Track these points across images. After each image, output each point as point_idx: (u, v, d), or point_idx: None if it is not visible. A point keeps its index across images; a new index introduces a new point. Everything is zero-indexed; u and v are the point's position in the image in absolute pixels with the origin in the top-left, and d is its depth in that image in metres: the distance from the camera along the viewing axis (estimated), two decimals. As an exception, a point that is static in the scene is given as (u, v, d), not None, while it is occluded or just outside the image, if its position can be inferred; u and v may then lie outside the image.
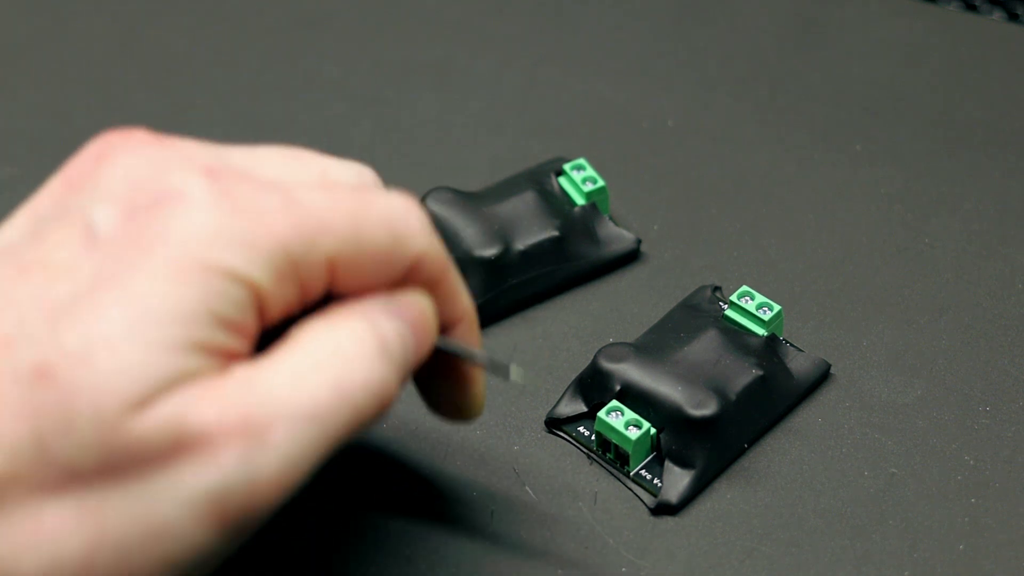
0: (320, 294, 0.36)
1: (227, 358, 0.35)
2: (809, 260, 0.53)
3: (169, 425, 0.33)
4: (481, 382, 0.42)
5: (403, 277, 0.37)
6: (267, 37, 0.63)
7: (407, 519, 0.45)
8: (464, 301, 0.40)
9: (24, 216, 0.38)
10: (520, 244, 0.51)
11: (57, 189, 0.37)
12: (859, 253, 0.53)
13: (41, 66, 0.62)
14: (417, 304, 0.38)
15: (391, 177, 0.57)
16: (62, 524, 0.33)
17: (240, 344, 0.35)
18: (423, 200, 0.52)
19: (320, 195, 0.36)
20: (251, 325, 0.35)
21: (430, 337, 0.38)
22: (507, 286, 0.51)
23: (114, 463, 0.33)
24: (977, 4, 0.64)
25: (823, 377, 0.48)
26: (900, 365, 0.49)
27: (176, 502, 0.33)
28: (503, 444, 0.47)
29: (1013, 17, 0.64)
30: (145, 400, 0.33)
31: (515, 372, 0.42)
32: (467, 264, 0.50)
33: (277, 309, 0.35)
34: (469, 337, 0.40)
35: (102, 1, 0.65)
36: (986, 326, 0.50)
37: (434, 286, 0.38)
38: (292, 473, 0.34)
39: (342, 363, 0.35)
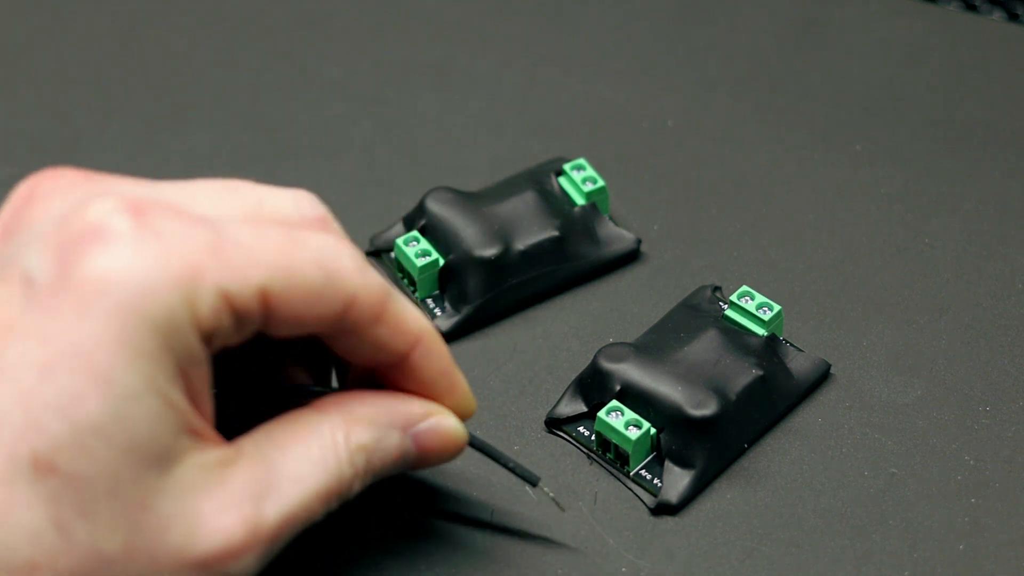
0: (258, 325, 0.37)
1: (196, 399, 0.37)
2: (809, 260, 0.53)
3: (193, 541, 0.36)
4: (464, 384, 0.42)
5: (341, 314, 0.38)
6: (267, 37, 0.63)
7: (407, 519, 0.45)
8: (414, 327, 0.40)
9: None
10: (520, 244, 0.51)
11: None
12: (859, 253, 0.53)
13: (41, 66, 0.62)
14: (434, 427, 0.41)
15: (391, 177, 0.57)
16: None
17: (201, 383, 0.37)
18: (423, 200, 0.52)
19: (249, 230, 0.37)
20: (202, 358, 0.37)
21: (450, 447, 0.42)
22: (507, 286, 0.50)
23: (139, 544, 0.35)
24: (977, 4, 0.64)
25: (823, 377, 0.48)
26: (900, 365, 0.49)
27: None
28: (503, 444, 0.47)
29: (1013, 17, 0.64)
30: (157, 467, 0.36)
31: (544, 488, 0.44)
32: (467, 264, 0.50)
33: (219, 340, 0.37)
34: (430, 359, 0.41)
35: (102, 1, 0.65)
36: (986, 326, 0.50)
37: (376, 321, 0.39)
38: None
39: (337, 477, 0.39)
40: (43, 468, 0.34)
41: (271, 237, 0.37)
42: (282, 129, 0.59)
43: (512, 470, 0.44)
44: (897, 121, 0.58)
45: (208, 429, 0.37)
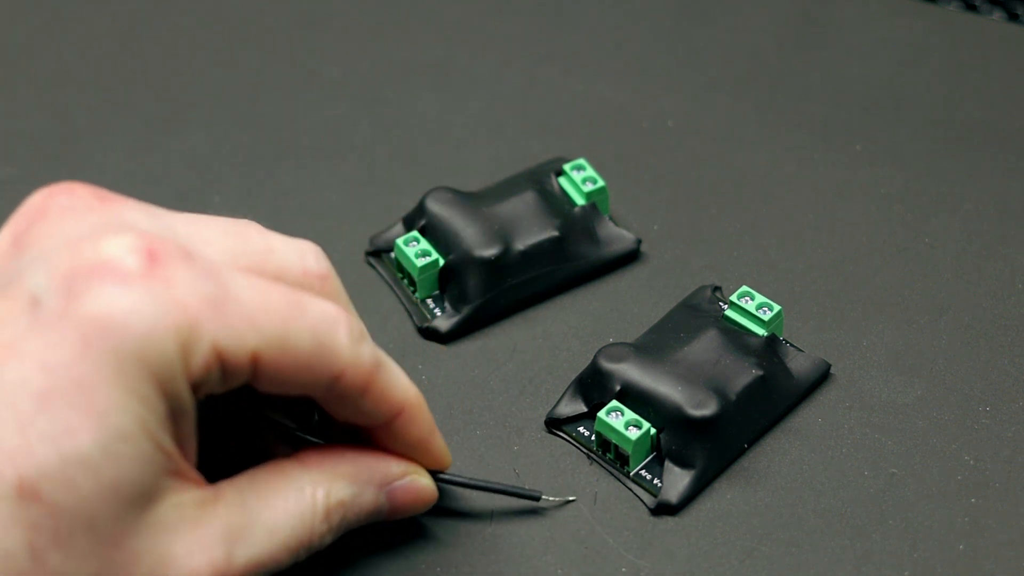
0: (245, 381, 0.38)
1: (182, 443, 0.37)
2: (809, 260, 0.53)
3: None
4: (442, 447, 0.43)
5: (328, 385, 0.39)
6: (267, 37, 0.63)
7: (407, 519, 0.45)
8: (399, 398, 0.41)
9: None
10: (520, 244, 0.51)
11: (3, 249, 0.39)
12: (859, 253, 0.53)
13: (41, 66, 0.62)
14: (408, 486, 0.42)
15: (391, 177, 0.57)
16: None
17: (187, 429, 0.38)
18: (423, 200, 0.52)
19: (255, 292, 0.38)
20: (190, 406, 0.37)
21: (420, 505, 0.43)
22: (507, 286, 0.50)
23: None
24: (977, 4, 0.64)
25: (823, 377, 0.48)
26: (900, 365, 0.49)
27: None
28: (503, 444, 0.47)
29: (1013, 17, 0.64)
30: (137, 507, 0.36)
31: (548, 498, 0.45)
32: (467, 264, 0.50)
33: (205, 389, 0.38)
34: (411, 427, 0.42)
35: (102, 1, 0.65)
36: (986, 326, 0.50)
37: (361, 394, 0.40)
38: None
39: (309, 530, 0.40)
40: (27, 494, 0.35)
41: (273, 300, 0.38)
42: (282, 129, 0.59)
43: (509, 493, 0.44)
44: (897, 121, 0.58)
45: (191, 471, 0.38)
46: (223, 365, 0.37)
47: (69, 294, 0.36)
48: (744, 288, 0.49)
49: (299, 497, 0.40)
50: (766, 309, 0.48)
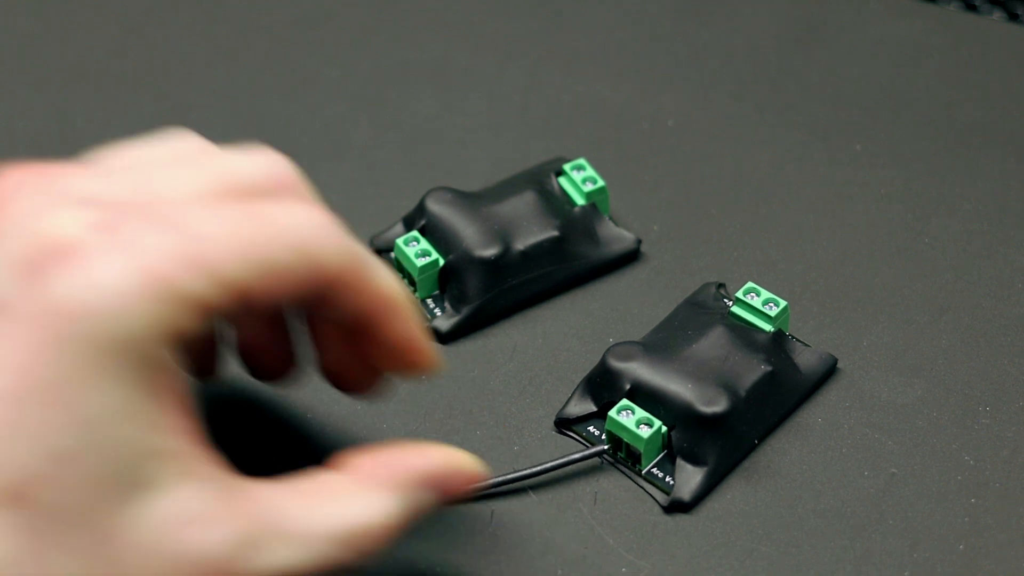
0: (237, 313, 0.36)
1: (175, 413, 0.35)
2: (809, 261, 0.53)
3: (185, 561, 0.35)
4: (428, 344, 0.41)
5: (316, 288, 0.37)
6: (267, 37, 0.63)
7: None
8: (386, 292, 0.39)
9: None
10: (520, 244, 0.51)
11: None
12: (859, 254, 0.53)
13: (41, 66, 0.62)
14: (455, 473, 0.40)
15: (391, 177, 0.57)
16: None
17: (177, 396, 0.36)
18: (423, 200, 0.52)
19: (221, 224, 0.36)
20: (175, 373, 0.35)
21: (463, 490, 0.40)
22: (507, 286, 0.51)
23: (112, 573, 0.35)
24: (977, 4, 0.65)
25: (830, 372, 0.48)
26: (900, 365, 0.49)
27: None
28: (503, 445, 0.47)
29: (1013, 17, 0.64)
30: (130, 498, 0.35)
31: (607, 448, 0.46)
32: (467, 264, 0.50)
33: (201, 339, 0.36)
34: (398, 325, 0.39)
35: (102, 1, 0.65)
36: (986, 326, 0.50)
37: (348, 289, 0.38)
38: None
39: (349, 548, 0.37)
40: (16, 499, 0.34)
41: (242, 226, 0.36)
42: (282, 129, 0.59)
43: (579, 460, 0.46)
44: (897, 121, 0.58)
45: (200, 454, 0.36)
46: (210, 309, 0.35)
47: (30, 286, 0.34)
48: (750, 284, 0.49)
49: (350, 510, 0.37)
50: (772, 305, 0.48)
